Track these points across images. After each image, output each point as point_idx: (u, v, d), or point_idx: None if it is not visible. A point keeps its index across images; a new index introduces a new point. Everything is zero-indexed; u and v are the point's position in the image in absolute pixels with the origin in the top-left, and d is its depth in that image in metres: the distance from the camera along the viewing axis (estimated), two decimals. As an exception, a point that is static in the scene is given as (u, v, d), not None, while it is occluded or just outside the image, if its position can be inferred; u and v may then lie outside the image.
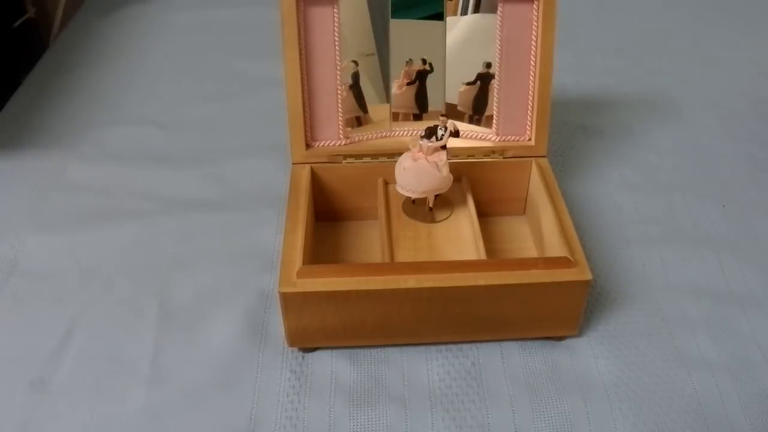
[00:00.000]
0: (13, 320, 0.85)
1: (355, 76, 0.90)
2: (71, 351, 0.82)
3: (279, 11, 0.84)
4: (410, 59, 0.90)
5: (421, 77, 0.91)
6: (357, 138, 0.92)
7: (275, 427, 0.75)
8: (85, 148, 1.12)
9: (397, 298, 0.76)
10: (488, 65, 0.90)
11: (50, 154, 1.10)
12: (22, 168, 1.08)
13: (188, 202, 1.01)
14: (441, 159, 0.86)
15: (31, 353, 0.81)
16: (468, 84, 0.92)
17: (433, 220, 0.91)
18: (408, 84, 0.92)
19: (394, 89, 0.92)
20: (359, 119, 0.92)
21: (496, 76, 0.90)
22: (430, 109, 0.93)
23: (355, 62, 0.90)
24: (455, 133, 0.85)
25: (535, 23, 0.87)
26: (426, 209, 0.91)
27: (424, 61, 0.91)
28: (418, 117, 0.93)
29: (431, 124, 0.86)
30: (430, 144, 0.85)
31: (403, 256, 0.87)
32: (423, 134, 0.85)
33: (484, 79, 0.91)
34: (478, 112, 0.93)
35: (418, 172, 0.86)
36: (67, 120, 1.18)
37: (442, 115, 0.86)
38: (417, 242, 0.89)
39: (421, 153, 0.86)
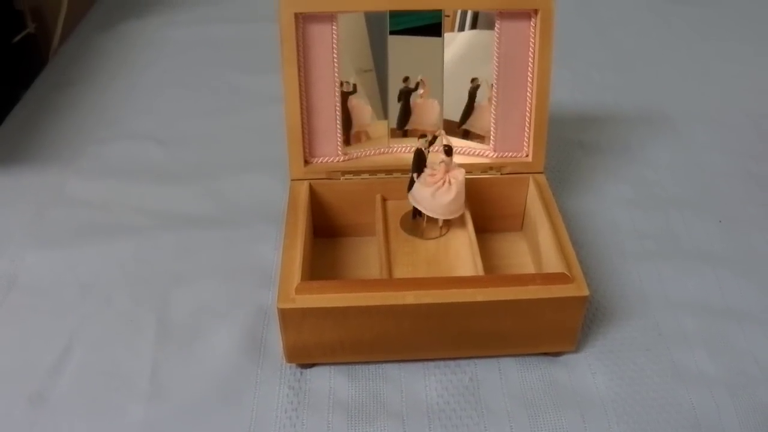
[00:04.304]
0: (12, 334, 0.85)
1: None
2: (70, 366, 0.82)
3: (278, 28, 0.85)
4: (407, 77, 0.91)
5: (404, 95, 0.92)
6: (355, 154, 0.93)
7: (273, 443, 0.75)
8: (84, 162, 1.12)
9: (395, 314, 0.76)
10: (473, 80, 0.91)
11: (49, 169, 1.11)
12: (22, 183, 1.08)
13: (187, 218, 1.02)
14: (461, 173, 0.87)
15: (30, 367, 0.82)
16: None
17: (431, 236, 0.91)
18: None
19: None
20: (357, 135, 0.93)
21: (493, 93, 0.90)
22: (426, 127, 0.93)
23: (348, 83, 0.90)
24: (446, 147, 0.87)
25: (532, 40, 0.88)
26: (424, 225, 0.91)
27: (406, 79, 0.91)
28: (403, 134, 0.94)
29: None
30: (447, 159, 0.86)
31: (401, 272, 0.87)
32: (442, 154, 0.86)
33: (471, 94, 0.92)
34: (463, 123, 0.94)
35: (460, 192, 0.87)
36: (66, 135, 1.19)
37: (422, 136, 0.87)
38: (415, 258, 0.89)
39: (439, 176, 0.86)
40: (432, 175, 0.87)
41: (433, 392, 0.80)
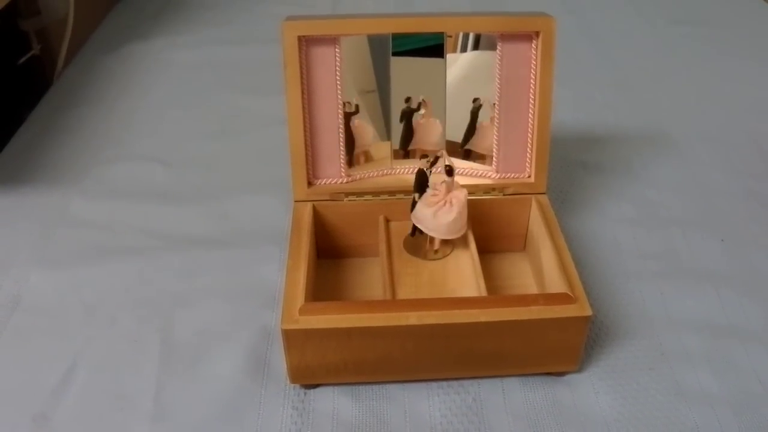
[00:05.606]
0: (16, 355, 0.86)
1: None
2: (74, 386, 0.82)
3: (281, 50, 0.86)
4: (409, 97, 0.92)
5: (406, 116, 0.93)
6: (358, 176, 0.93)
7: (277, 464, 0.75)
8: (88, 184, 1.13)
9: (399, 335, 0.76)
10: (475, 100, 0.92)
11: (53, 190, 1.11)
12: (26, 203, 1.09)
13: (191, 239, 1.02)
14: (463, 193, 0.87)
15: (34, 388, 0.82)
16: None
17: (434, 257, 0.92)
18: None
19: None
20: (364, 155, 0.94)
21: (495, 114, 0.91)
22: (428, 147, 0.94)
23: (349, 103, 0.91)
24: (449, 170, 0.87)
25: (533, 61, 0.89)
26: (427, 246, 0.92)
27: (407, 99, 0.92)
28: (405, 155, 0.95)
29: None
30: (449, 180, 0.86)
31: (404, 293, 0.87)
32: (444, 174, 0.86)
33: (474, 114, 0.92)
34: (465, 143, 0.94)
35: (462, 212, 0.87)
36: (71, 156, 1.19)
37: (423, 157, 0.87)
38: (418, 279, 0.89)
39: (440, 196, 0.87)
40: (434, 195, 0.88)
41: (436, 412, 0.80)
